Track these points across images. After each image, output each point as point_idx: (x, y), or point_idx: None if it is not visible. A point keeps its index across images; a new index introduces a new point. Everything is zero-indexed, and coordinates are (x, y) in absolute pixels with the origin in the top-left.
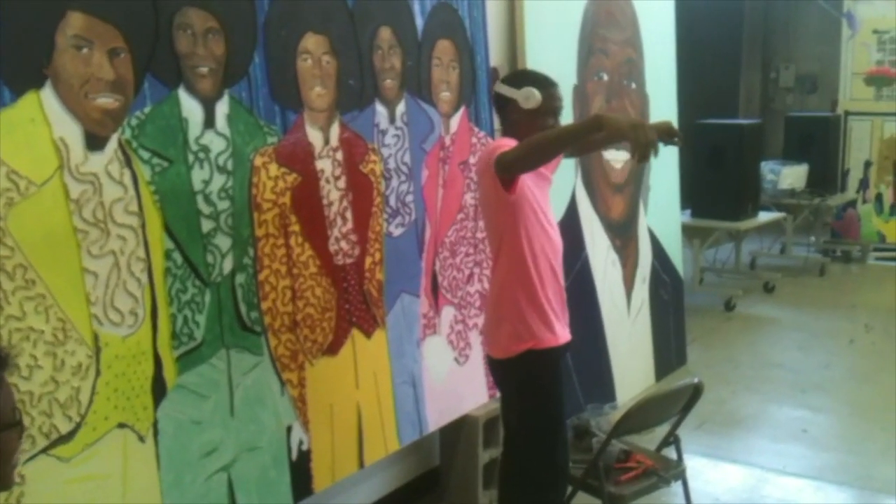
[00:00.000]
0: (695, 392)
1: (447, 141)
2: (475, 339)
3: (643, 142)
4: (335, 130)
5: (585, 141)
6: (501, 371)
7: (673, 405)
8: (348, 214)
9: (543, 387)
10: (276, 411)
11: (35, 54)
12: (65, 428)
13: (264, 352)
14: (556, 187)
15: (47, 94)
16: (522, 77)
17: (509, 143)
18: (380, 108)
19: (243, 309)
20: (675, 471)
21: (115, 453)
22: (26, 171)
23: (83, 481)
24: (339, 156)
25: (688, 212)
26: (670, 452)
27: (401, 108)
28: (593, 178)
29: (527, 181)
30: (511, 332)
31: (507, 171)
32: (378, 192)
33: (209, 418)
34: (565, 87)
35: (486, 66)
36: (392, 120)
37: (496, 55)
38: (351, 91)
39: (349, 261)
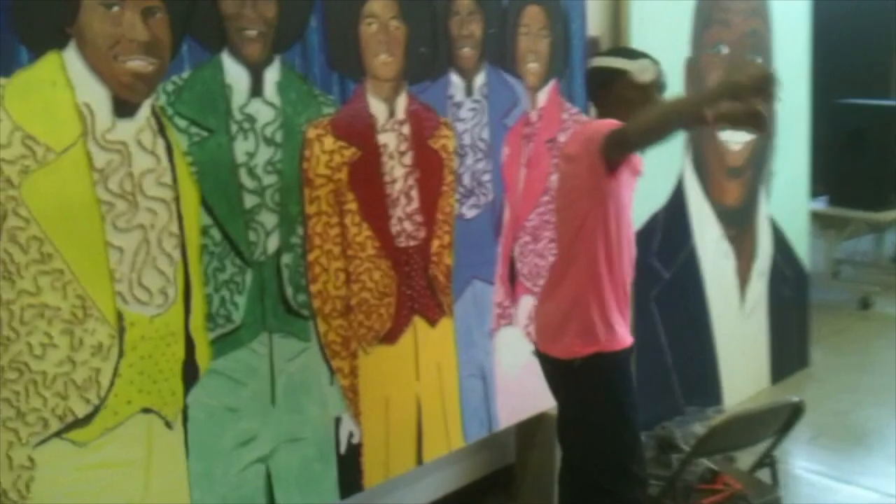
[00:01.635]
0: (794, 412)
1: (533, 116)
2: None
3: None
4: (402, 102)
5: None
6: (563, 373)
7: (767, 425)
8: (414, 193)
9: (614, 392)
10: (324, 401)
11: (57, 12)
12: (82, 411)
13: (312, 338)
14: (659, 171)
15: (71, 56)
16: (624, 50)
17: (609, 122)
18: (455, 79)
19: (289, 291)
20: (768, 497)
21: (138, 439)
22: (44, 138)
23: (101, 468)
24: (406, 130)
25: (824, 199)
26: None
27: (480, 79)
28: (706, 161)
29: (624, 172)
30: (579, 330)
31: (621, 147)
32: (450, 171)
33: (246, 406)
34: (677, 59)
35: (583, 36)
36: (469, 92)
37: (596, 24)
38: (422, 60)
39: (413, 243)
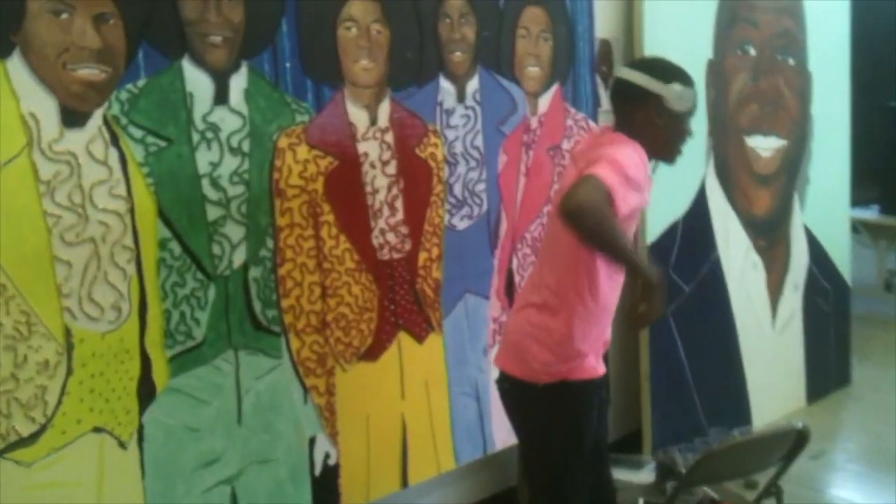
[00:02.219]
0: (798, 438)
1: (533, 123)
2: None
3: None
4: (385, 109)
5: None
6: (521, 395)
7: (768, 452)
8: (398, 204)
9: (573, 422)
10: (297, 420)
11: (1, 20)
12: (26, 430)
13: (283, 354)
14: (678, 179)
15: (15, 65)
16: (661, 69)
17: (625, 149)
18: (445, 85)
19: (257, 306)
20: None
21: (89, 459)
22: None
23: (48, 488)
24: (389, 138)
25: (875, 208)
26: None
27: (473, 84)
28: (731, 168)
29: (631, 199)
30: (547, 354)
31: (568, 216)
32: (439, 180)
33: (210, 425)
34: (698, 61)
35: (590, 38)
36: (461, 98)
37: (606, 25)
38: (407, 65)
39: (397, 256)
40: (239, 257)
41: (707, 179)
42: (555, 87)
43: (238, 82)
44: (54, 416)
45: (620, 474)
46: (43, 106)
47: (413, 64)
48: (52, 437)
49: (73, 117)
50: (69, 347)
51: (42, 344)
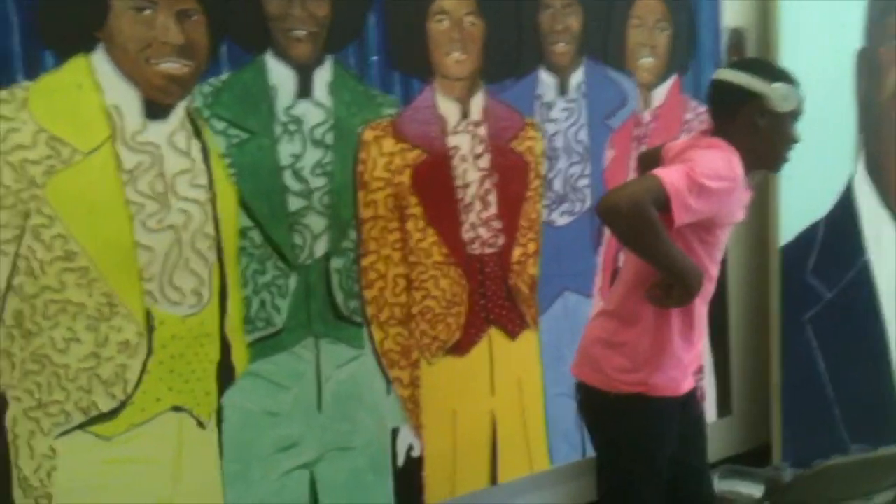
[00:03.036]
0: None
1: (645, 116)
2: None
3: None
4: (478, 102)
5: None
6: (594, 404)
7: (879, 475)
8: (491, 198)
9: (648, 440)
10: (379, 411)
11: (85, 17)
12: (106, 406)
13: (366, 345)
14: (819, 176)
15: (99, 59)
16: (763, 68)
17: (711, 154)
18: (545, 77)
19: (339, 296)
20: None
21: (168, 437)
22: (70, 139)
23: (128, 463)
24: (482, 131)
25: None
26: None
27: (577, 76)
28: (884, 165)
29: (698, 209)
30: (626, 365)
31: (598, 213)
32: (536, 174)
33: (288, 411)
34: (844, 50)
35: (716, 27)
36: (563, 91)
37: (738, 12)
38: (504, 57)
39: (490, 251)
40: (320, 248)
41: (856, 178)
42: (672, 79)
43: (322, 76)
44: (134, 393)
45: (735, 486)
46: (126, 99)
47: (510, 56)
48: (132, 413)
49: (155, 110)
50: (150, 329)
51: (123, 325)
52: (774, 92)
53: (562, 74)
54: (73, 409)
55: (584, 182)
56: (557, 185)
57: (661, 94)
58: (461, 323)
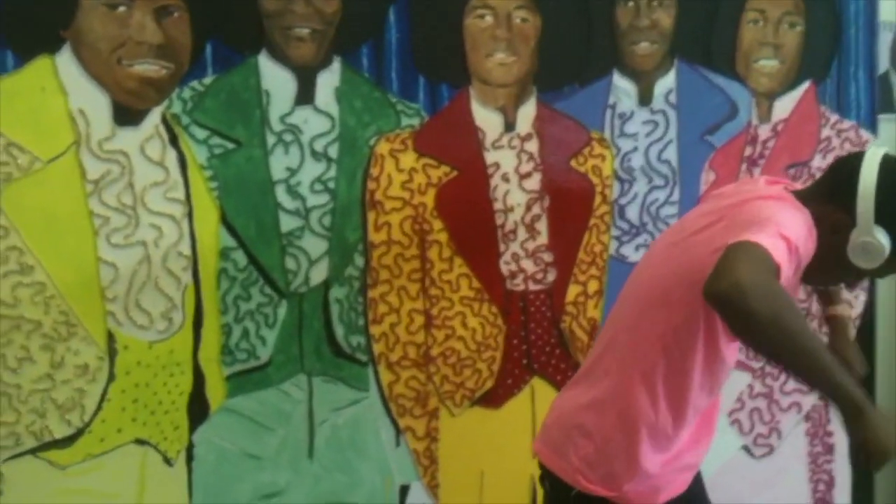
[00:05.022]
0: None
1: (763, 132)
2: (791, 424)
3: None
4: (528, 112)
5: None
6: (557, 497)
7: None
8: (540, 225)
9: None
10: (384, 464)
11: (51, 14)
12: (61, 432)
13: (371, 387)
14: None
15: (65, 60)
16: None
17: (791, 212)
18: (621, 83)
19: (339, 330)
20: None
21: (129, 472)
22: (30, 145)
23: (83, 494)
24: (532, 146)
25: None
26: None
27: (665, 82)
28: None
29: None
30: (593, 457)
31: (715, 301)
32: (603, 199)
33: (273, 455)
34: None
35: (870, 23)
36: (645, 100)
37: None
38: (566, 59)
39: (536, 287)
40: (318, 274)
41: None
42: (804, 86)
43: (327, 80)
44: (92, 421)
45: None
46: (94, 103)
47: (574, 58)
48: (90, 442)
49: (127, 115)
50: (112, 353)
51: (81, 347)
52: (861, 236)
53: (644, 80)
54: (23, 432)
55: (668, 211)
56: (632, 212)
57: (787, 104)
58: (494, 370)
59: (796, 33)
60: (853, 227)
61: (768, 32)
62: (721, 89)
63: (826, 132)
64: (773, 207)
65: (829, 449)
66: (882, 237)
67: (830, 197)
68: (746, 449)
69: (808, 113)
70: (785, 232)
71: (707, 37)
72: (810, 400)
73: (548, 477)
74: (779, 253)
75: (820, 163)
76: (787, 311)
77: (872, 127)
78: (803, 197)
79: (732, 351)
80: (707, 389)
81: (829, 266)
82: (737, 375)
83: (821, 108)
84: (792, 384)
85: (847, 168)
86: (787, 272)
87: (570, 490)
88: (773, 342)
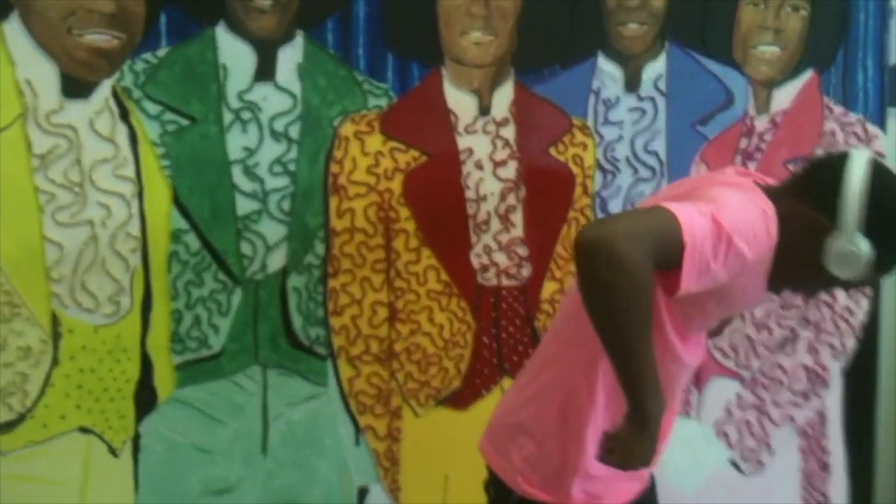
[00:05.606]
0: None
1: (759, 124)
2: (785, 439)
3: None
4: (504, 95)
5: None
6: (496, 497)
7: None
8: (516, 217)
9: None
10: (341, 463)
11: None
12: (2, 417)
13: (329, 382)
14: None
15: (12, 28)
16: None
17: (745, 199)
18: (607, 67)
19: (297, 321)
20: None
21: (73, 461)
22: None
23: (25, 481)
24: (508, 132)
25: None
26: None
27: (655, 67)
28: None
29: (721, 275)
30: (534, 457)
31: (574, 250)
32: (584, 191)
33: (224, 449)
34: None
35: (882, 9)
36: (632, 85)
37: None
38: (547, 39)
39: (509, 283)
40: (276, 261)
41: None
42: (807, 75)
43: (290, 55)
44: (35, 407)
45: None
46: (42, 74)
47: (555, 38)
48: (32, 428)
49: (76, 87)
50: (56, 336)
51: (25, 328)
52: (841, 243)
53: (631, 64)
54: None
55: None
56: (615, 205)
57: (787, 94)
58: (462, 369)
59: (799, 17)
60: (831, 230)
61: (769, 15)
62: (715, 76)
63: (829, 125)
64: (725, 193)
65: (825, 467)
66: (864, 245)
67: (804, 195)
68: (734, 464)
69: (810, 104)
70: (720, 216)
71: (702, 19)
72: (805, 414)
73: (492, 479)
74: (694, 231)
75: (821, 153)
76: (632, 289)
77: (881, 121)
78: (773, 193)
79: (691, 350)
80: (671, 371)
81: (792, 269)
82: (723, 383)
83: (824, 100)
84: (785, 396)
85: (829, 168)
86: (704, 258)
87: (510, 494)
88: (604, 312)
